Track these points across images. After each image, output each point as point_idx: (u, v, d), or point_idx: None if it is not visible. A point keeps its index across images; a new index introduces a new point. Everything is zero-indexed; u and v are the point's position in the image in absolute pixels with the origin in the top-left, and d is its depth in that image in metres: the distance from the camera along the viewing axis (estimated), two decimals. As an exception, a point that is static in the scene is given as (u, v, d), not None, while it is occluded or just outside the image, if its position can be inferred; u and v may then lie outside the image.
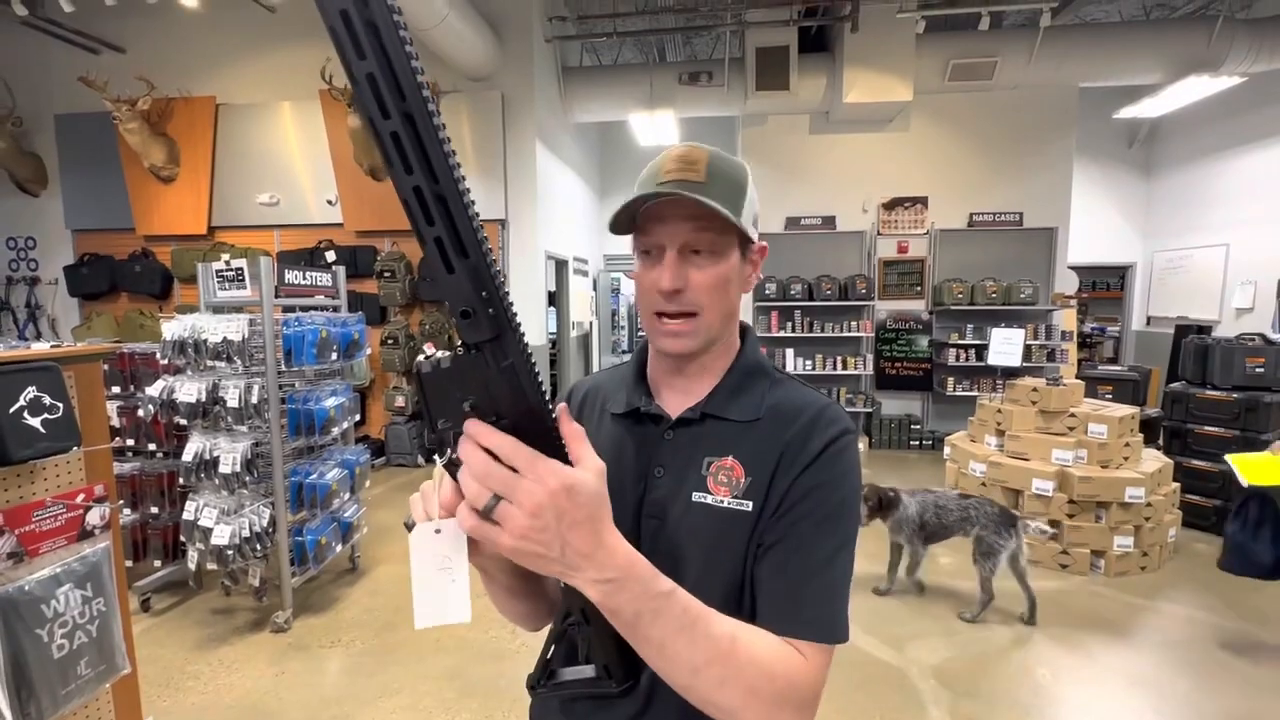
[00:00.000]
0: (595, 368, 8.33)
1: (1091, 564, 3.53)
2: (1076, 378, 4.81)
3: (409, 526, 0.54)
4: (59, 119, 6.19)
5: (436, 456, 0.53)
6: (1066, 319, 6.44)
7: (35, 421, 1.29)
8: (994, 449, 3.98)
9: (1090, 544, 3.52)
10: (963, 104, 6.36)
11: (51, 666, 1.34)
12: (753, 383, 0.75)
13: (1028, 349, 5.75)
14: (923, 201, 6.54)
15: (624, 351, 9.86)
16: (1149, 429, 4.25)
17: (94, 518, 1.45)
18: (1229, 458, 2.66)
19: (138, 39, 6.02)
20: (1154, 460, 3.74)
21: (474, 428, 0.46)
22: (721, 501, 0.69)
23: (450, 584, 0.54)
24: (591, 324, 8.29)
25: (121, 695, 1.56)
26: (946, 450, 4.41)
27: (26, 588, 1.30)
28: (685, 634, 0.53)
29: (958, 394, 6.38)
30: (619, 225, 0.71)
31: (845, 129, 6.53)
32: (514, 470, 0.46)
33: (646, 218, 0.69)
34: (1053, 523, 3.60)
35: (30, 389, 1.28)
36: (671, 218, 0.67)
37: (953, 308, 6.37)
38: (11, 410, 1.24)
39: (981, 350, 5.98)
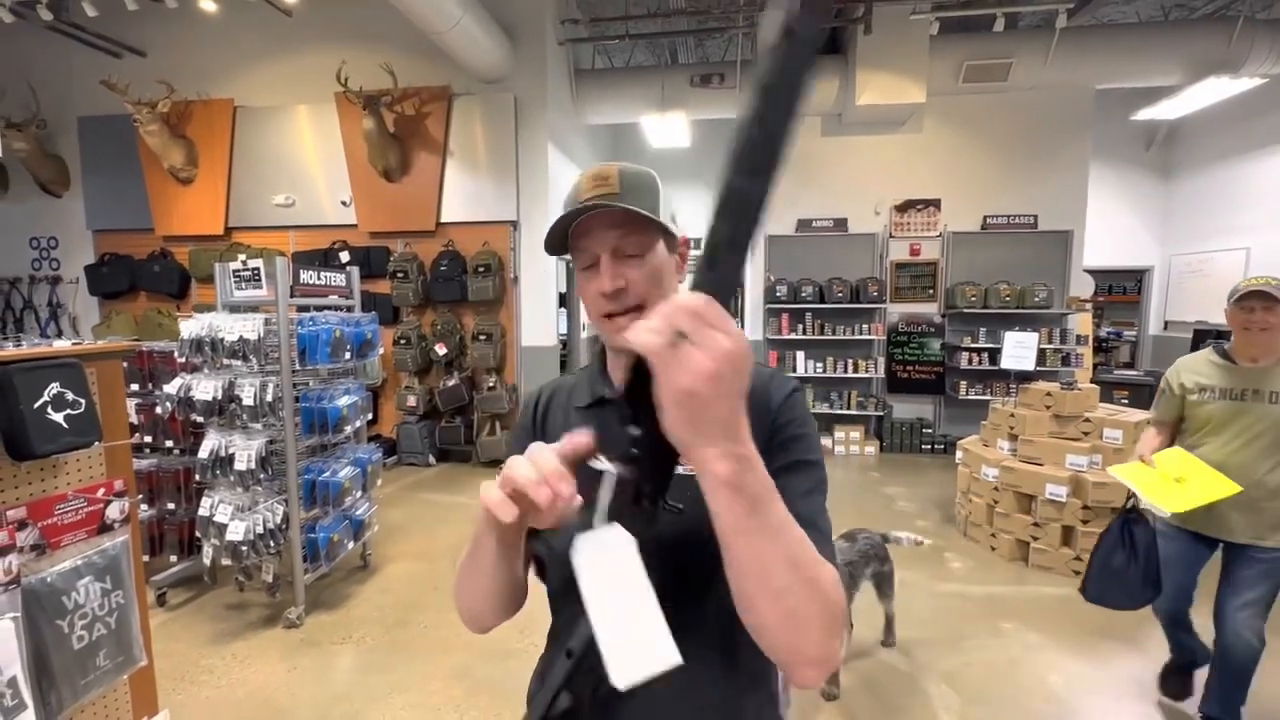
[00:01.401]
0: (605, 369, 8.32)
1: (1106, 571, 3.48)
2: (1092, 382, 4.76)
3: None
4: (81, 121, 6.31)
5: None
6: (1082, 323, 6.37)
7: (58, 417, 1.32)
8: (1007, 453, 3.94)
9: (1105, 550, 3.47)
10: (977, 106, 6.31)
11: (71, 657, 1.36)
12: None
13: (1042, 353, 5.70)
14: (935, 204, 6.50)
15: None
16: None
17: (114, 512, 1.48)
18: (1120, 475, 2.19)
19: (158, 43, 6.13)
20: (1171, 466, 3.68)
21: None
22: (691, 470, 0.72)
23: (641, 608, 0.48)
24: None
25: (138, 687, 1.59)
26: (959, 454, 4.37)
27: (49, 579, 1.32)
28: (790, 526, 0.54)
29: (970, 398, 6.33)
30: (554, 248, 0.78)
31: (858, 131, 6.50)
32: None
33: (576, 236, 0.76)
34: (1066, 529, 3.57)
35: (54, 385, 1.31)
36: (597, 229, 0.73)
37: (966, 311, 6.32)
38: (36, 405, 1.27)
39: (995, 354, 5.93)
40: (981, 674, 2.64)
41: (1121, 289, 8.75)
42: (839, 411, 6.58)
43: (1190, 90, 5.55)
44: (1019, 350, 4.39)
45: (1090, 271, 6.76)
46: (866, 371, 6.54)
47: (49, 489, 1.37)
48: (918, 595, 3.32)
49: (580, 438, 0.55)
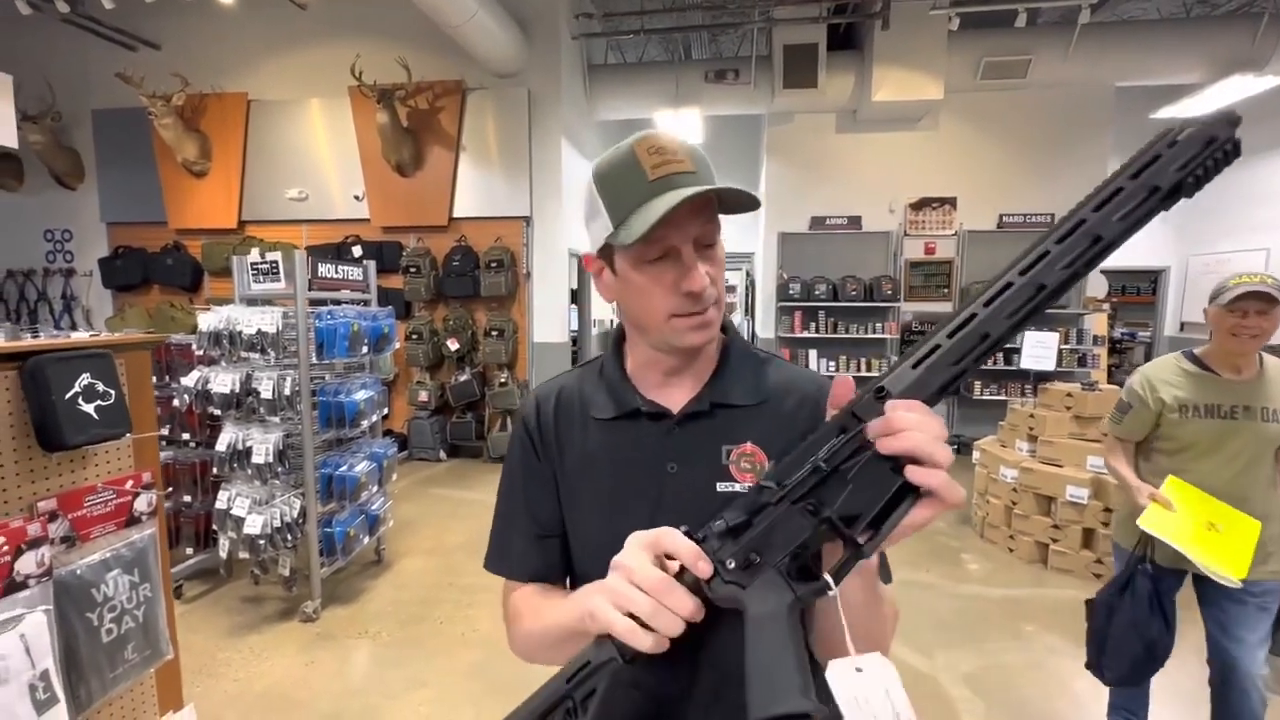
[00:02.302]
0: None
1: (1127, 574, 3.43)
2: (1110, 383, 4.71)
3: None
4: (96, 114, 6.33)
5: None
6: (1098, 323, 6.30)
7: (89, 408, 1.30)
8: (1026, 454, 3.90)
9: (1126, 553, 3.43)
10: (994, 103, 6.24)
11: (100, 650, 1.35)
12: (747, 365, 0.75)
13: (1058, 353, 5.64)
14: (951, 202, 6.44)
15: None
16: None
17: (141, 504, 1.46)
18: (1161, 533, 1.69)
19: (173, 36, 6.13)
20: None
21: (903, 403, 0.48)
22: (750, 488, 0.69)
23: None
24: (612, 322, 8.29)
25: (164, 681, 1.58)
26: (975, 455, 4.33)
27: (78, 572, 1.31)
28: (879, 581, 0.62)
29: (985, 398, 6.27)
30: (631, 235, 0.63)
31: (873, 128, 6.45)
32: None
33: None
34: (1087, 531, 3.53)
35: (85, 375, 1.30)
36: (679, 215, 0.61)
37: (980, 310, 6.25)
38: (67, 396, 1.26)
39: (1010, 353, 5.87)
40: (1004, 677, 2.61)
41: (1135, 289, 8.68)
42: (851, 410, 6.52)
43: (1213, 89, 5.48)
44: (1039, 350, 4.35)
45: (1105, 271, 6.69)
46: (880, 370, 6.49)
47: (78, 481, 1.36)
48: (937, 596, 3.29)
49: (704, 566, 0.51)
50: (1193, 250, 7.44)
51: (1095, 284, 6.40)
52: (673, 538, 0.52)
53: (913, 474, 0.46)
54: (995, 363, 6.21)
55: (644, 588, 0.51)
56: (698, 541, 0.53)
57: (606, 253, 0.70)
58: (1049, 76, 5.68)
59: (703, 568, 0.51)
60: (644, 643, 0.50)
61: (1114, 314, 8.15)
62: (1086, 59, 5.56)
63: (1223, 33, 5.41)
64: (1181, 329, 7.68)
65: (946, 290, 6.49)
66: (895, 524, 0.47)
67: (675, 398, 0.74)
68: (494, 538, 0.81)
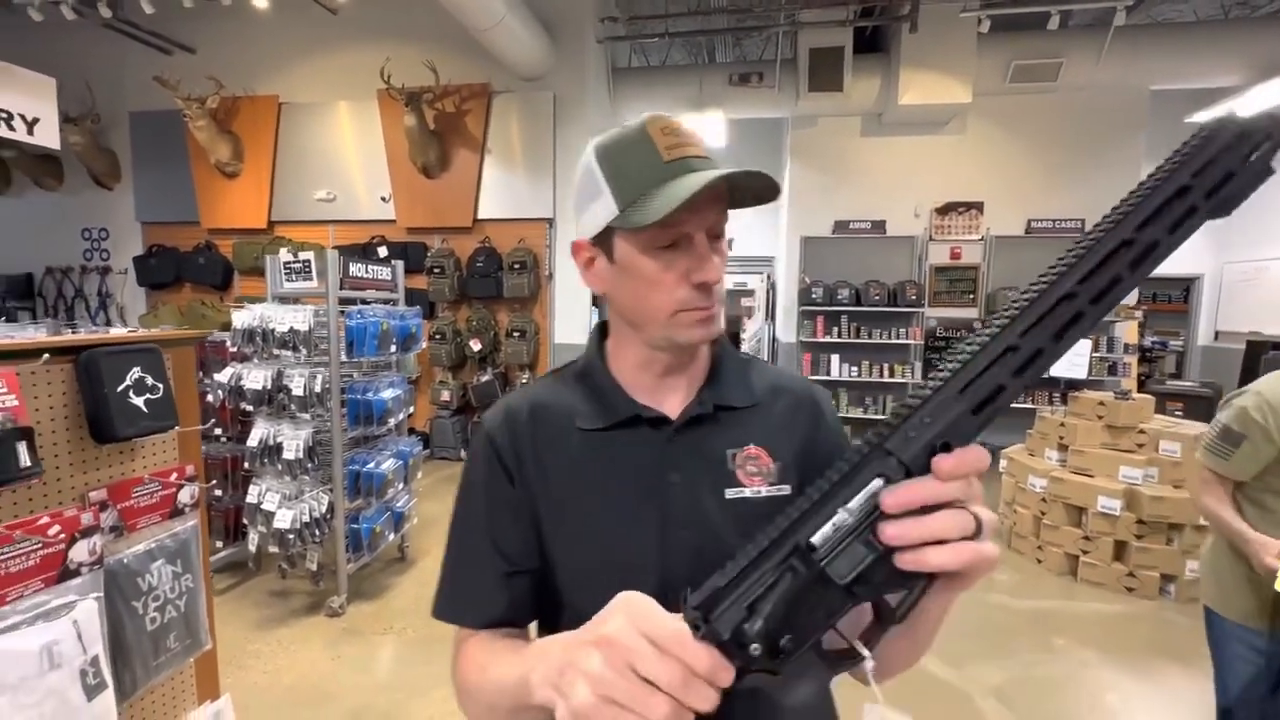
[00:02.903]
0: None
1: (1161, 589, 3.35)
2: (1144, 392, 4.60)
3: None
4: (133, 116, 6.49)
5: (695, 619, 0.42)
6: (1128, 332, 6.17)
7: (139, 401, 1.33)
8: (1055, 464, 3.83)
9: (1160, 567, 3.35)
10: (1023, 106, 6.15)
11: (145, 638, 1.38)
12: (736, 366, 0.74)
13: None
14: (978, 206, 6.35)
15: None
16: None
17: (185, 496, 1.49)
18: None
19: (208, 40, 6.27)
20: (1231, 482, 3.53)
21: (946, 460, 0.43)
22: (760, 492, 0.66)
23: None
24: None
25: (202, 671, 1.61)
26: (1003, 463, 4.25)
27: (125, 561, 1.34)
28: None
29: (1012, 405, 6.15)
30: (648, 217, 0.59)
31: (898, 131, 6.38)
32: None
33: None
34: (1119, 543, 3.45)
35: (135, 369, 1.33)
36: (697, 202, 0.58)
37: (1007, 316, 6.16)
38: (119, 389, 1.29)
39: (1037, 361, 5.77)
40: (1035, 691, 2.56)
41: (1166, 297, 8.48)
42: (874, 416, 6.47)
43: (1252, 92, 5.35)
44: (1071, 357, 4.25)
45: (1137, 278, 6.55)
46: (903, 376, 6.42)
47: (127, 472, 1.39)
48: (964, 606, 3.22)
49: (726, 675, 0.41)
50: (1228, 258, 7.25)
51: (1126, 291, 6.27)
52: (683, 645, 0.41)
53: (904, 560, 0.41)
54: (1022, 370, 6.11)
55: (659, 684, 0.40)
56: (698, 621, 0.42)
57: (604, 239, 0.65)
58: (1081, 79, 5.59)
59: (725, 677, 0.41)
60: None
61: (1144, 322, 7.98)
62: (1120, 62, 5.46)
63: (1262, 34, 5.28)
64: (1216, 338, 7.49)
65: (972, 296, 6.40)
66: (915, 603, 0.43)
67: (670, 402, 0.69)
68: (447, 578, 0.71)
